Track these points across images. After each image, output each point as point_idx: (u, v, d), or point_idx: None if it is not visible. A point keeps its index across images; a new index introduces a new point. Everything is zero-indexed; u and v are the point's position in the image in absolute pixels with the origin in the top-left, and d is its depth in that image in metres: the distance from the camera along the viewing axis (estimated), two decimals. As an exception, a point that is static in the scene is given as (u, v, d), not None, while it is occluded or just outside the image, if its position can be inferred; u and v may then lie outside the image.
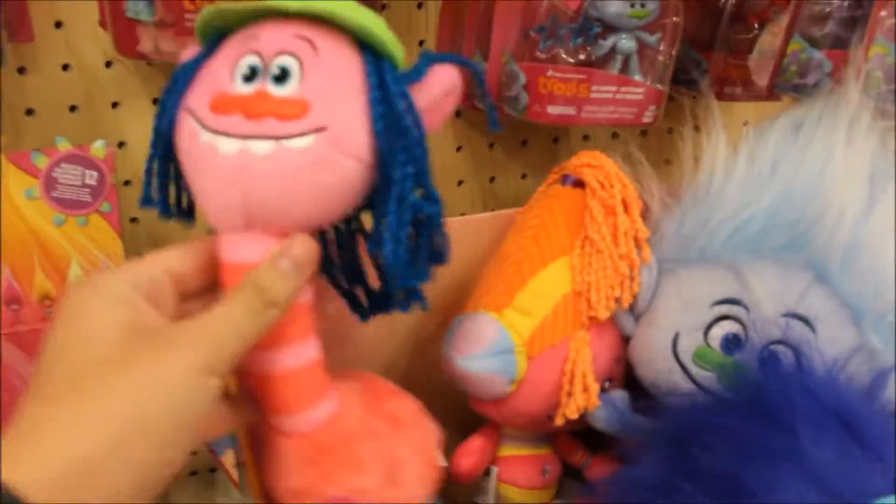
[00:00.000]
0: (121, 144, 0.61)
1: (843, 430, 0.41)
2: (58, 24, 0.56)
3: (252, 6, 0.36)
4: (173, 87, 0.37)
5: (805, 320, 0.48)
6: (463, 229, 0.58)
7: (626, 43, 0.56)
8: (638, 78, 0.57)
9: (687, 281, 0.51)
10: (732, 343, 0.49)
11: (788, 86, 0.58)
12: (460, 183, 0.71)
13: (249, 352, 0.35)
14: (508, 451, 0.56)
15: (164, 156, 0.38)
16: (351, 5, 0.36)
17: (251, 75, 0.34)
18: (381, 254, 0.37)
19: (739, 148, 0.52)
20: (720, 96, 0.63)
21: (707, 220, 0.51)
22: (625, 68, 0.56)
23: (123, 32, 0.53)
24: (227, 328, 0.33)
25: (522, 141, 0.72)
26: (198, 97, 0.36)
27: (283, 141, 0.34)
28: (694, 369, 0.49)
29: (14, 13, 0.53)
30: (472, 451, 0.53)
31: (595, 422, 0.52)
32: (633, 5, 0.54)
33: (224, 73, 0.35)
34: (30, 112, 0.58)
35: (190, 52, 0.39)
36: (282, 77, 0.34)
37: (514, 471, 0.56)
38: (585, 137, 0.73)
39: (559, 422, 0.50)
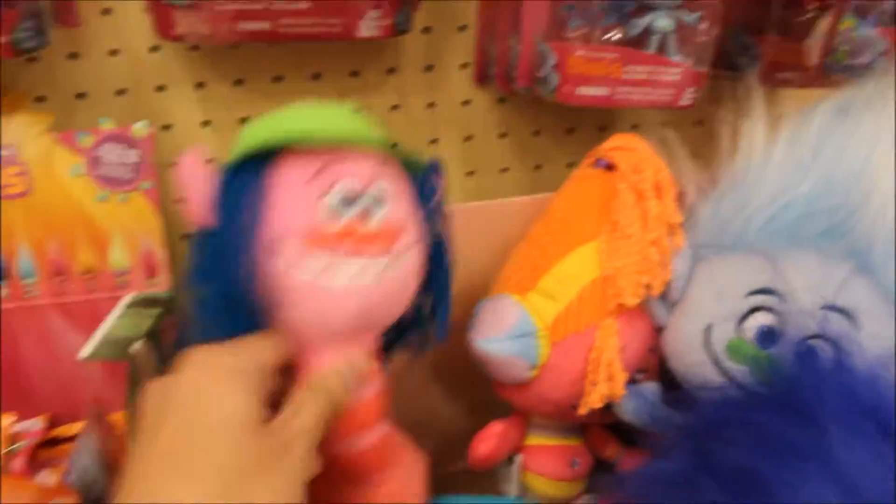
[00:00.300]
0: (167, 127, 0.62)
1: (877, 432, 0.38)
2: (106, 11, 0.58)
3: (341, 129, 0.39)
4: (243, 215, 0.37)
5: (845, 313, 0.45)
6: (499, 212, 0.58)
7: (662, 21, 0.53)
8: (676, 58, 0.54)
9: (721, 269, 0.49)
10: (767, 336, 0.47)
11: (840, 66, 0.55)
12: (504, 170, 0.70)
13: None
14: (535, 440, 0.55)
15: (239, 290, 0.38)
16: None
17: (345, 203, 0.37)
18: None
19: (780, 131, 0.49)
20: (772, 82, 0.60)
21: (744, 206, 0.49)
22: (663, 48, 0.54)
23: (161, 16, 0.54)
24: (312, 435, 0.35)
25: (568, 129, 0.70)
26: (293, 227, 0.36)
27: (391, 263, 0.38)
28: (726, 362, 0.47)
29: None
30: (490, 437, 0.52)
31: (623, 414, 0.50)
32: (667, -19, 0.52)
33: (311, 202, 0.37)
34: (81, 95, 0.60)
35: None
36: (378, 202, 0.38)
37: (541, 461, 0.55)
38: (634, 126, 0.71)
39: (583, 411, 0.49)
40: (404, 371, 0.59)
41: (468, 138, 0.69)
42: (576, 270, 0.50)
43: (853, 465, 0.37)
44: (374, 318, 0.40)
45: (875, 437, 0.38)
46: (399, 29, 0.58)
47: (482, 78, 0.65)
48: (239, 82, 0.63)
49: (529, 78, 0.56)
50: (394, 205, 0.39)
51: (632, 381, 0.51)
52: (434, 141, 0.68)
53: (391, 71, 0.65)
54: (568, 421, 0.54)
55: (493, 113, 0.68)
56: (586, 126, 0.70)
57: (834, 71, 0.56)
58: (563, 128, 0.70)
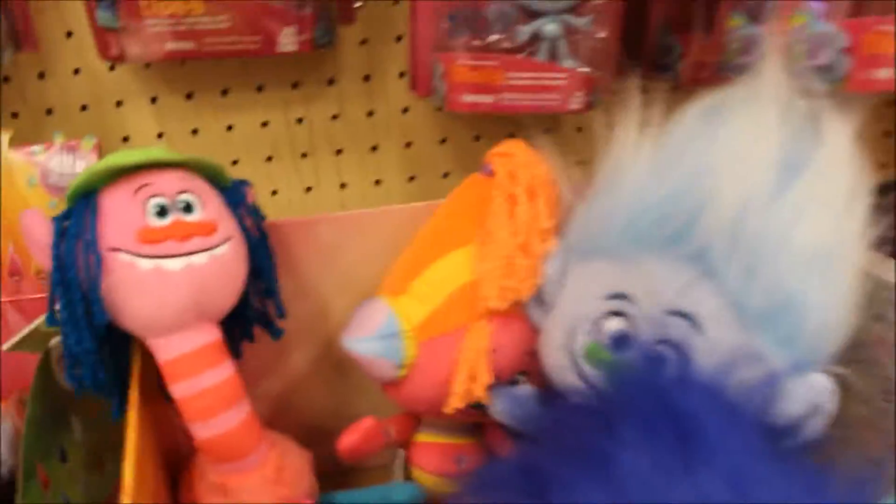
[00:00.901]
0: (125, 139, 0.68)
1: (673, 439, 0.37)
2: (69, 34, 0.65)
3: (144, 157, 0.46)
4: (81, 237, 0.44)
5: (688, 318, 0.44)
6: (400, 218, 0.58)
7: (549, 27, 0.54)
8: (569, 63, 0.54)
9: (584, 274, 0.49)
10: (621, 341, 0.46)
11: (731, 66, 0.53)
12: (446, 175, 0.72)
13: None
14: (423, 437, 0.57)
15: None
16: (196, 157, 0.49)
17: (162, 211, 0.45)
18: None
19: (648, 135, 0.48)
20: (697, 82, 0.59)
21: (607, 210, 0.49)
22: (555, 53, 0.54)
23: (99, 39, 0.60)
24: None
25: (509, 133, 0.71)
26: (120, 237, 0.44)
27: (213, 251, 0.46)
28: (585, 366, 0.47)
29: (22, 25, 0.62)
30: (355, 431, 0.54)
31: (496, 415, 0.51)
32: (551, -11, 0.52)
33: (136, 214, 0.45)
34: (49, 111, 0.67)
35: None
36: (189, 208, 0.46)
37: (426, 457, 0.56)
38: (579, 129, 0.71)
39: (447, 410, 0.50)
40: (310, 370, 0.62)
41: (408, 144, 0.71)
42: (447, 274, 0.51)
43: (629, 471, 0.36)
44: (210, 299, 0.47)
45: (665, 446, 0.37)
46: (319, 43, 0.61)
47: (418, 86, 0.67)
48: (189, 96, 0.68)
49: (428, 88, 0.57)
50: (204, 208, 0.47)
51: (512, 383, 0.52)
52: (374, 148, 0.71)
53: (331, 82, 0.68)
54: (455, 420, 0.55)
55: (431, 119, 0.70)
56: (528, 130, 0.71)
57: (726, 71, 0.54)
58: (503, 133, 0.71)
